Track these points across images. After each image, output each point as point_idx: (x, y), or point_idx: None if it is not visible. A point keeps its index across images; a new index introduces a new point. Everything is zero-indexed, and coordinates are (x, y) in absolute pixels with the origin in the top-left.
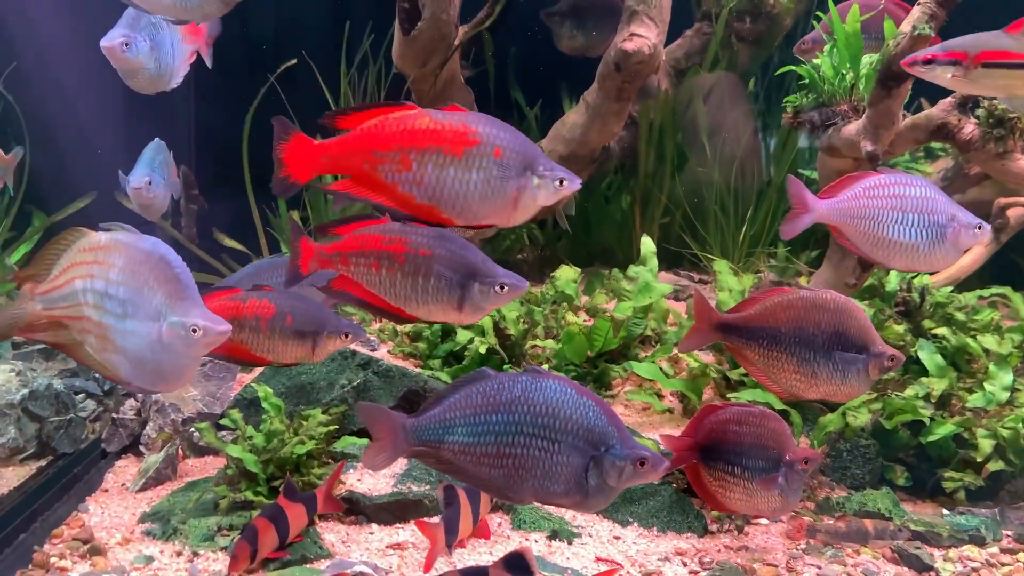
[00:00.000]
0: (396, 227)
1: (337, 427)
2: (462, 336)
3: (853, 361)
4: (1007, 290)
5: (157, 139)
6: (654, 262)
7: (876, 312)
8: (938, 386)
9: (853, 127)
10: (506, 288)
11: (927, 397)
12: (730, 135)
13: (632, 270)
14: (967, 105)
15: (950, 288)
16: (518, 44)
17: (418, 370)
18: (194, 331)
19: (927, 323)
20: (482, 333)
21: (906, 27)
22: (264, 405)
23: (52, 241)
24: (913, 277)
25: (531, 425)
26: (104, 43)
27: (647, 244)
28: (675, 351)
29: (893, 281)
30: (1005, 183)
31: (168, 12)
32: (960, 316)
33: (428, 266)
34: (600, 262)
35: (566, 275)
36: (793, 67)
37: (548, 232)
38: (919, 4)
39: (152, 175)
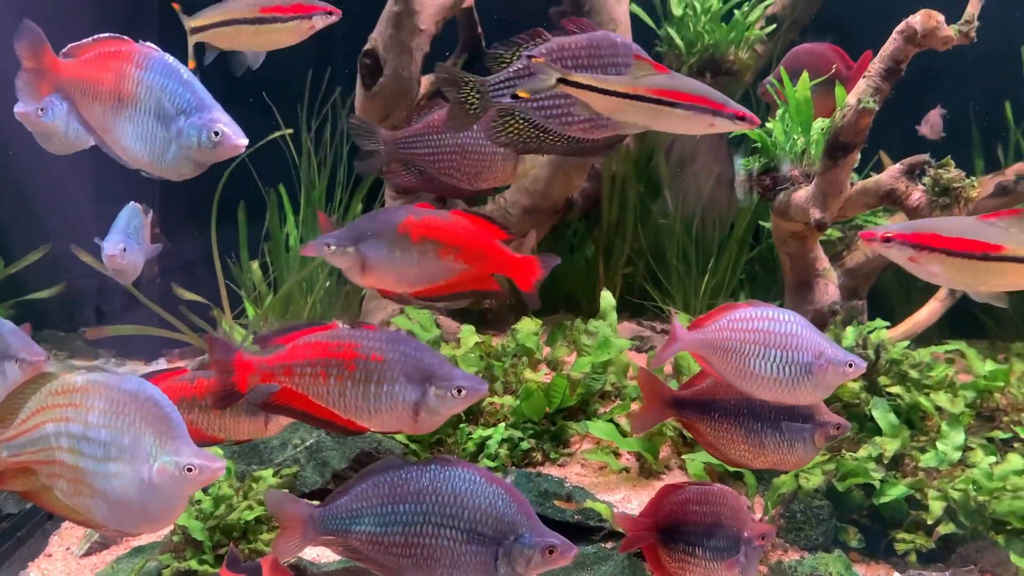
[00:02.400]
0: (345, 332)
1: (288, 490)
2: None
3: (800, 431)
4: (962, 345)
5: (132, 203)
6: (613, 316)
7: None
8: (890, 447)
9: (803, 193)
10: (464, 392)
11: (879, 458)
12: (692, 186)
13: (592, 324)
14: (915, 172)
15: (907, 343)
16: None
17: None
18: (189, 470)
19: (883, 380)
20: None
21: (852, 99)
22: None
23: (18, 387)
24: (869, 332)
25: (439, 515)
26: (18, 110)
27: (606, 299)
28: (633, 407)
29: (850, 337)
30: None
31: (144, 167)
32: (914, 373)
33: (381, 372)
34: (565, 309)
35: (527, 328)
36: (745, 131)
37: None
38: (865, 77)
39: (127, 241)
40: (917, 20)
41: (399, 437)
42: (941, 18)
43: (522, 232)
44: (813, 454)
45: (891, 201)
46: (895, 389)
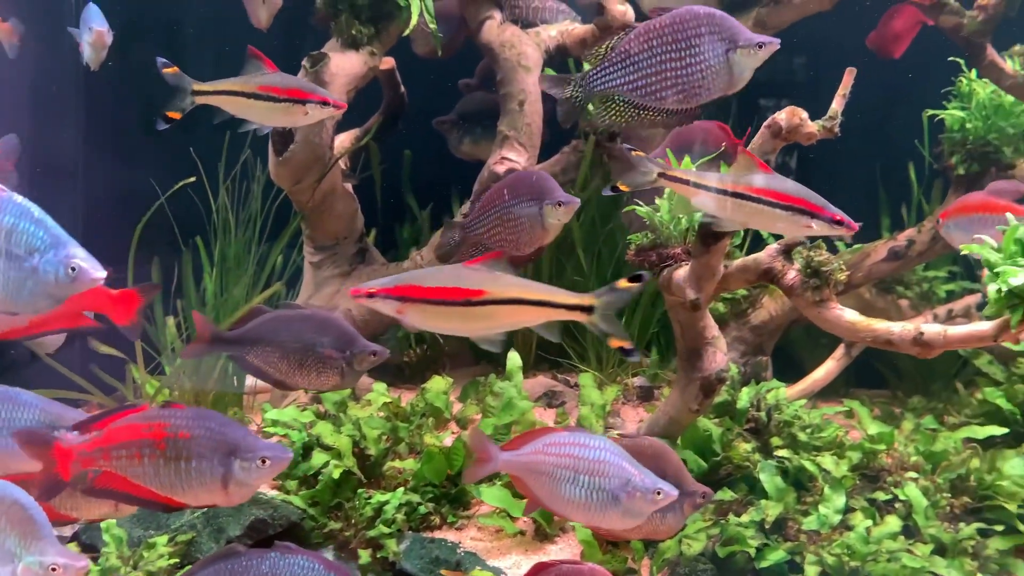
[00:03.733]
0: (155, 412)
1: (179, 560)
2: (317, 459)
3: (671, 506)
4: (856, 404)
5: None
6: (519, 377)
7: (725, 431)
8: (772, 511)
9: (682, 272)
10: (268, 462)
11: (762, 523)
12: (606, 245)
13: (498, 385)
14: (791, 252)
15: (803, 402)
16: (413, 147)
17: (273, 492)
18: (53, 570)
19: (775, 440)
20: (339, 456)
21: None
22: (105, 536)
23: None
24: (768, 392)
25: None
26: None
27: (513, 360)
28: None
29: (744, 399)
30: (824, 329)
31: None
32: (803, 436)
33: (188, 449)
34: (487, 361)
35: (437, 387)
36: (637, 206)
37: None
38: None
39: None
40: (783, 117)
41: (297, 501)
42: (804, 115)
43: None
44: (682, 522)
45: (769, 279)
46: (783, 452)
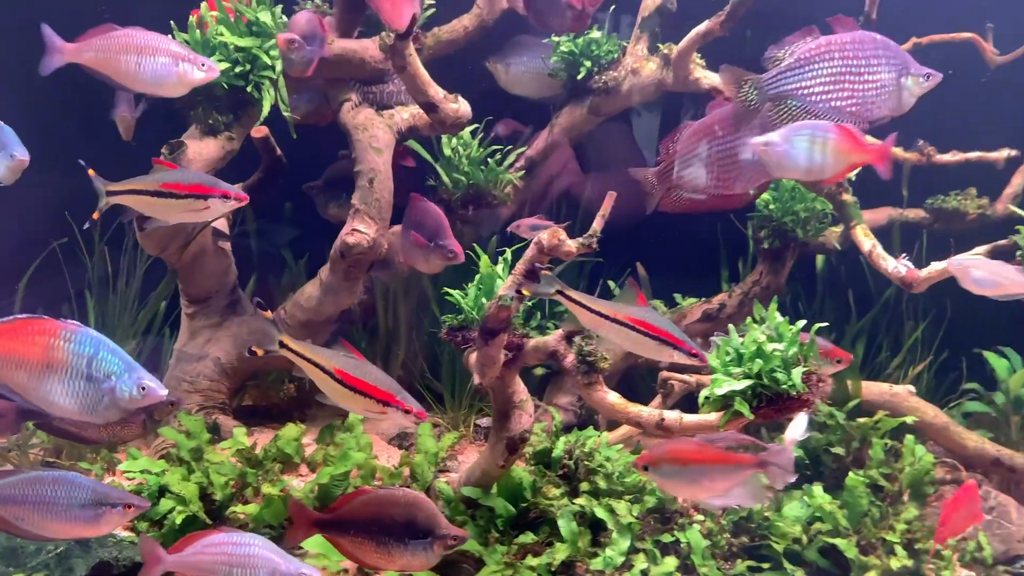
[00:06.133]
0: None
1: None
2: (164, 505)
3: (422, 544)
4: None
5: None
6: (359, 428)
7: (537, 478)
8: (560, 554)
9: (473, 357)
10: None
11: (549, 565)
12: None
13: (339, 436)
14: (571, 338)
15: (619, 447)
16: (295, 200)
17: (126, 534)
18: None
19: (584, 485)
20: (184, 502)
21: (503, 292)
22: None
23: None
24: (587, 439)
25: None
26: None
27: (354, 414)
28: None
29: (560, 448)
30: (592, 407)
31: (72, 415)
32: (603, 484)
33: None
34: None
35: (289, 434)
36: (450, 292)
37: None
38: (511, 275)
39: None
40: (545, 237)
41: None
42: (564, 236)
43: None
44: (436, 559)
45: (555, 359)
46: (581, 500)
